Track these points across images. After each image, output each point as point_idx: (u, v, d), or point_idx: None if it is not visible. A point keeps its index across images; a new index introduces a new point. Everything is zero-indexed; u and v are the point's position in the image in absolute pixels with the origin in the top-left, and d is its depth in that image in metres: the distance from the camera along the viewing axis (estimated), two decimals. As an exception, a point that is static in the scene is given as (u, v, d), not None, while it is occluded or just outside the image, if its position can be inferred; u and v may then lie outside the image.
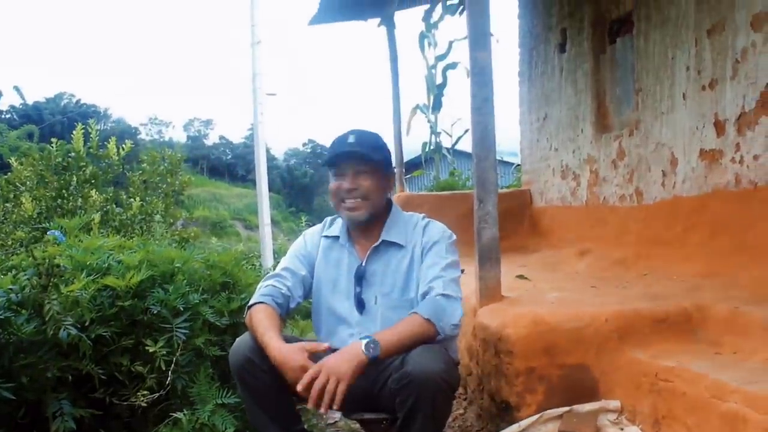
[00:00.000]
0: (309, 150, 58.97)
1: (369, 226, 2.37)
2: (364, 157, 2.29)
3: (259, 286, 2.38)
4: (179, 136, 59.99)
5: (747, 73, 3.33)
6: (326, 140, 2.45)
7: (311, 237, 2.50)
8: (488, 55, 2.98)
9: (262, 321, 2.14)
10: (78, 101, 45.67)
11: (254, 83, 13.43)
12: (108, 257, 2.61)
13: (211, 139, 61.67)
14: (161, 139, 55.78)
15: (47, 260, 2.32)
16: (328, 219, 2.54)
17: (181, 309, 2.50)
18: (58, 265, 2.35)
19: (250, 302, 2.28)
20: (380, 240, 2.35)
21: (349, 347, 2.02)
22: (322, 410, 1.91)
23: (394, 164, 2.66)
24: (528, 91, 6.43)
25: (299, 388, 1.92)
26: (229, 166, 56.52)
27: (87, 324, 2.31)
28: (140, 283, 2.48)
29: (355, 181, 2.29)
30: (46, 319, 2.20)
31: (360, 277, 2.34)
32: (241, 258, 3.15)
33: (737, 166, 3.42)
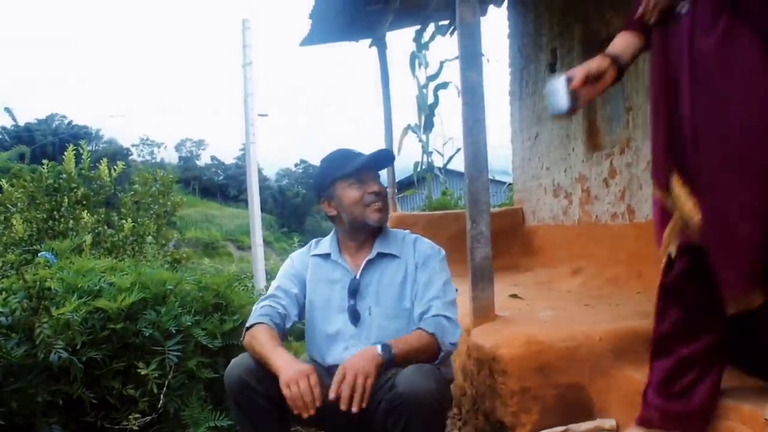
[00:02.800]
0: (301, 170, 59.04)
1: (363, 238, 2.38)
2: (386, 162, 2.53)
3: (254, 307, 2.35)
4: (171, 157, 59.95)
5: (735, 92, 3.35)
6: (318, 161, 2.46)
7: (299, 257, 2.50)
8: (479, 75, 3.00)
9: (269, 340, 2.12)
10: (70, 122, 45.64)
11: (246, 104, 13.48)
12: (99, 279, 2.60)
13: (203, 159, 61.66)
14: (153, 160, 55.76)
15: (38, 283, 2.31)
16: (314, 240, 2.54)
17: (173, 331, 2.48)
18: (48, 288, 2.34)
19: (249, 323, 2.25)
20: (375, 252, 2.35)
21: (365, 350, 2.04)
22: (354, 408, 1.88)
23: (386, 184, 2.69)
24: (519, 111, 6.46)
25: (332, 395, 1.91)
26: (221, 186, 56.47)
27: (78, 347, 2.29)
28: (132, 306, 2.47)
29: (378, 185, 2.36)
30: (37, 342, 2.19)
31: (354, 290, 2.33)
32: (233, 279, 3.14)
33: (728, 184, 3.43)
